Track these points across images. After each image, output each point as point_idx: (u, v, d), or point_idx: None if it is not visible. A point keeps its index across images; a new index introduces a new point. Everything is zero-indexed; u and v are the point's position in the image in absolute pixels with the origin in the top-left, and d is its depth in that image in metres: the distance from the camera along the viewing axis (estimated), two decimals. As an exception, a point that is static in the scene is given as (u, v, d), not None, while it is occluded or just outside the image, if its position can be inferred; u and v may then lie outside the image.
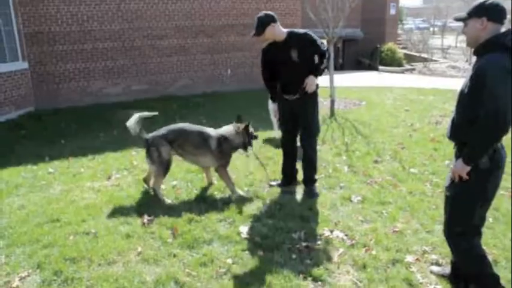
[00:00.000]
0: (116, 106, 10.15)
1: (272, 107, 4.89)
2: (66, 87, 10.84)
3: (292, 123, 4.81)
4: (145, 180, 4.93)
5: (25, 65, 10.43)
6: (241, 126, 4.81)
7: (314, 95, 4.63)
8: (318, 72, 4.55)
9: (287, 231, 3.89)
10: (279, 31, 4.47)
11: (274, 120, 4.92)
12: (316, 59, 4.59)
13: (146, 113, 4.82)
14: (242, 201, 4.55)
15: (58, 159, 6.35)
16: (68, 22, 10.76)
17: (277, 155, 5.98)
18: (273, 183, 5.05)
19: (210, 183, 5.02)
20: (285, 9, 13.14)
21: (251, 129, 4.90)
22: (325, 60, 4.57)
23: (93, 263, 3.45)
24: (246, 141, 4.85)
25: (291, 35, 4.51)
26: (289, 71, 4.57)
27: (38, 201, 4.79)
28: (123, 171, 5.69)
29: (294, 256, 3.51)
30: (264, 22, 4.38)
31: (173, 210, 4.33)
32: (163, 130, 4.74)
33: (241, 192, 4.74)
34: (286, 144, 4.97)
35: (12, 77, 9.86)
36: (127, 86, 11.47)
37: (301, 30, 4.66)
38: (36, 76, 10.63)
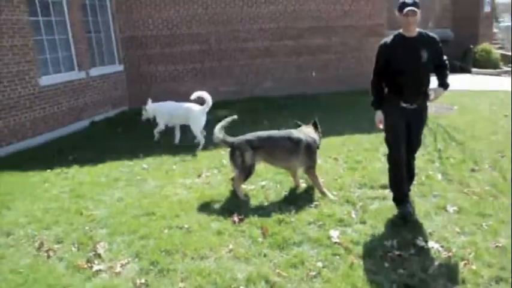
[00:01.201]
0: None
1: (379, 114, 4.27)
2: (157, 88, 11.44)
3: (404, 134, 4.23)
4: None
5: (121, 67, 11.19)
6: (311, 126, 4.96)
7: (427, 105, 4.25)
8: (446, 84, 4.14)
9: (379, 238, 3.78)
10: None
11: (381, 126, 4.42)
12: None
13: (226, 120, 4.94)
14: (332, 205, 4.50)
15: (151, 156, 6.71)
16: (159, 27, 11.36)
17: (366, 159, 5.86)
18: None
19: (297, 186, 5.01)
20: (370, 11, 12.81)
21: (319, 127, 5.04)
22: (447, 72, 4.17)
23: (187, 256, 3.59)
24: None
25: (422, 33, 4.11)
26: (413, 74, 4.05)
27: (134, 194, 5.09)
28: (213, 169, 5.86)
29: (386, 264, 3.39)
30: (418, 4, 3.95)
31: (263, 210, 4.38)
32: (249, 136, 4.82)
33: (330, 195, 4.69)
34: (400, 158, 4.26)
35: (110, 78, 10.61)
36: (214, 87, 11.80)
37: (431, 33, 4.25)
38: (130, 78, 11.34)
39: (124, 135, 8.35)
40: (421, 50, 3.99)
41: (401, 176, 4.29)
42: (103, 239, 3.98)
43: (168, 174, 5.78)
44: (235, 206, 4.50)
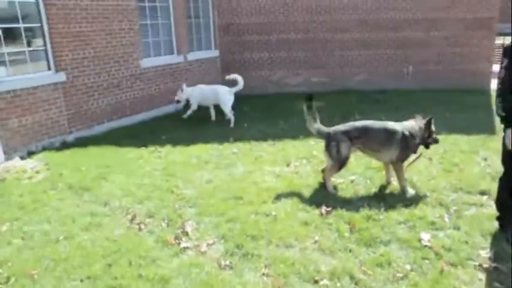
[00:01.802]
0: (296, 96, 10.49)
1: (508, 136, 3.43)
2: (250, 75, 11.54)
3: None
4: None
5: (216, 53, 11.48)
6: (423, 121, 4.60)
7: None
8: None
9: (473, 247, 3.52)
10: None
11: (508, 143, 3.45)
12: None
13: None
14: (424, 206, 4.25)
15: (241, 141, 6.84)
16: (257, 15, 11.46)
17: (463, 161, 5.52)
18: None
19: (388, 183, 4.82)
20: (480, 2, 11.81)
21: (433, 127, 4.64)
22: None
23: (272, 243, 3.61)
24: (426, 137, 4.63)
25: None
26: None
27: (223, 178, 5.22)
28: (302, 159, 5.81)
29: (480, 276, 3.17)
30: None
31: (351, 205, 4.27)
32: (346, 126, 4.70)
33: (411, 191, 4.52)
34: None
35: (205, 63, 10.95)
36: (307, 77, 11.74)
37: None
38: (225, 63, 11.60)
39: (215, 118, 8.61)
40: None
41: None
42: (191, 218, 4.13)
43: (257, 161, 5.85)
44: (323, 197, 4.44)
